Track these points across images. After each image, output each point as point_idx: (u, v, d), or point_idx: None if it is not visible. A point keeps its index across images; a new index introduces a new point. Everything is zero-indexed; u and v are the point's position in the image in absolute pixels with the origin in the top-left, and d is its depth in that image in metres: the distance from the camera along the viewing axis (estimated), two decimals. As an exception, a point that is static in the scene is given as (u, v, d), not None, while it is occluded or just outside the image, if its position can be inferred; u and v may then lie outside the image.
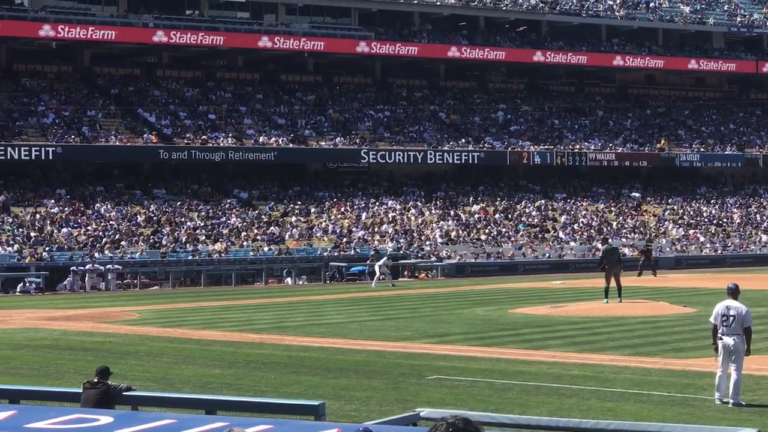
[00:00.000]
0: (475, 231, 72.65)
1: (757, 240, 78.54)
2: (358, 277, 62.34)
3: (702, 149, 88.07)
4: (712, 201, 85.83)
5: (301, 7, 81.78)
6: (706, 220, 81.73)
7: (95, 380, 16.14)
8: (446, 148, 78.70)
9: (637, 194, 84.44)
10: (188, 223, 66.29)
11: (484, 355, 26.15)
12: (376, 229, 69.99)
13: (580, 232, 75.20)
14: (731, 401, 19.35)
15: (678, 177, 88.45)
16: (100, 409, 13.37)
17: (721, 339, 19.69)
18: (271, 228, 67.53)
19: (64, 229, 61.94)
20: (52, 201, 66.03)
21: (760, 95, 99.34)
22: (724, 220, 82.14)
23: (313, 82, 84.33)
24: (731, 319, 19.63)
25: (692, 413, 18.56)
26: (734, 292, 20.13)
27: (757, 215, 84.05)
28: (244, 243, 64.88)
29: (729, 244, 77.04)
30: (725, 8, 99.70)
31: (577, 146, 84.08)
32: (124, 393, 16.12)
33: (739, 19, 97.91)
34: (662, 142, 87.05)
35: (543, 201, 79.86)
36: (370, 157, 75.83)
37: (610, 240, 48.45)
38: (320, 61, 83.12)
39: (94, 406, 14.94)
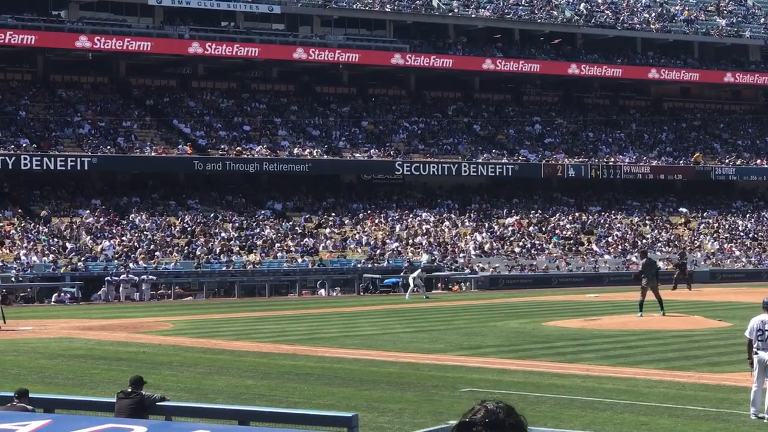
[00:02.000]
0: (509, 243, 72.50)
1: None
2: (391, 288, 62.26)
3: (738, 163, 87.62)
4: (747, 215, 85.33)
5: (336, 19, 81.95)
6: (742, 233, 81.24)
7: (129, 390, 16.21)
8: (480, 161, 78.60)
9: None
10: (222, 234, 66.46)
11: (518, 368, 26.08)
12: (410, 241, 69.94)
13: (614, 245, 74.90)
14: (767, 416, 19.22)
15: (713, 190, 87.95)
16: (134, 419, 13.40)
17: (756, 353, 19.57)
18: (305, 239, 67.61)
19: (106, 242, 62.08)
20: (88, 211, 66.34)
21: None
22: (760, 234, 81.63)
23: (348, 93, 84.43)
24: (767, 333, 19.51)
25: (727, 428, 18.44)
26: (770, 307, 20.00)
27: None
28: (278, 254, 64.97)
29: (765, 258, 76.54)
30: (762, 21, 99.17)
31: (612, 159, 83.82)
32: (157, 403, 16.19)
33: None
34: (697, 155, 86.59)
35: (577, 213, 79.63)
36: (404, 168, 75.75)
37: (648, 253, 47.93)
38: (355, 72, 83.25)
39: (127, 415, 15.00)
